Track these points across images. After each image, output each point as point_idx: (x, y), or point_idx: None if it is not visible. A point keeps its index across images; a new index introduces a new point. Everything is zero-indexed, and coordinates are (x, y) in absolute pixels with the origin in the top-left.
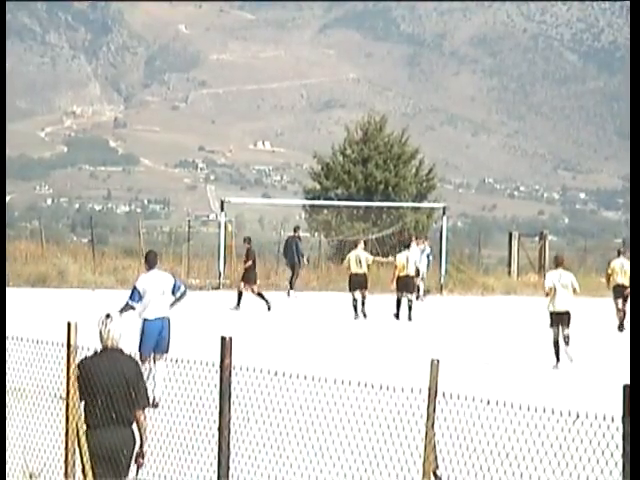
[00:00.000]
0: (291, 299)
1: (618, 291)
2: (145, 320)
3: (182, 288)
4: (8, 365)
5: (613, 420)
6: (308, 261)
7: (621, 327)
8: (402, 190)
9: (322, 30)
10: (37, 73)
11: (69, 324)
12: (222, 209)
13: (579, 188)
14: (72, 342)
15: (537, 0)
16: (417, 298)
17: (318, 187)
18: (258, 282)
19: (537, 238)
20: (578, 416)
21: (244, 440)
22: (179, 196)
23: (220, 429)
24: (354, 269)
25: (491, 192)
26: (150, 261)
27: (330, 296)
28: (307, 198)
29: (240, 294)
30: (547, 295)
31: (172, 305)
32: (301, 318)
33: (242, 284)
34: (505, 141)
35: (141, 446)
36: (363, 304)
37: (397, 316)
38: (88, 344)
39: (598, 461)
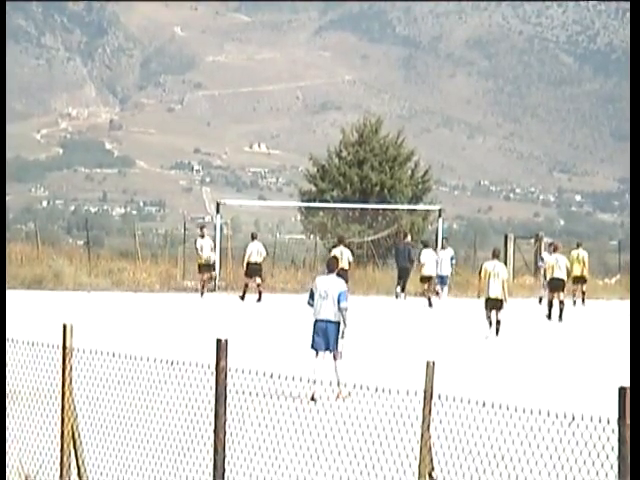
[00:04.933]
0: (400, 301)
1: (555, 285)
2: (314, 320)
3: (343, 304)
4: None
5: (609, 422)
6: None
7: (560, 317)
8: (398, 192)
9: (318, 32)
10: (32, 75)
11: (64, 326)
12: (218, 211)
13: (575, 190)
14: (68, 344)
15: (533, 1)
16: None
17: (314, 189)
18: None
19: (532, 240)
20: (574, 418)
21: (239, 442)
22: (175, 198)
23: (216, 431)
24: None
25: (487, 194)
26: (327, 265)
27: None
28: (303, 200)
29: None
30: (480, 282)
31: (343, 317)
32: (296, 320)
33: None
34: (501, 143)
35: None
36: None
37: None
38: (84, 346)
39: (594, 463)
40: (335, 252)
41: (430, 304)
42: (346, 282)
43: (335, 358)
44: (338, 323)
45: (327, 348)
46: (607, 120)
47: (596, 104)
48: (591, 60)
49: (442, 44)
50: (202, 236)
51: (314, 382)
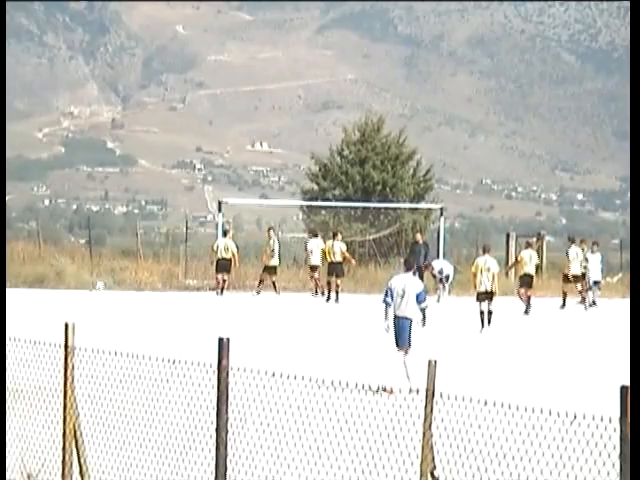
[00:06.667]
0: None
1: (524, 280)
2: (393, 316)
3: (423, 303)
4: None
5: (611, 421)
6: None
7: (527, 312)
8: (399, 191)
9: (320, 31)
10: (35, 74)
11: (66, 325)
12: (220, 210)
13: (576, 189)
14: (69, 343)
15: (534, 0)
16: (586, 304)
17: (316, 188)
18: None
19: (534, 239)
20: (575, 417)
21: (241, 441)
22: (177, 197)
23: (217, 430)
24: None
25: (489, 193)
26: (405, 264)
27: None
28: (305, 199)
29: None
30: (474, 276)
31: (422, 315)
32: (298, 319)
33: None
34: (503, 142)
35: None
36: (337, 291)
37: (327, 299)
38: (86, 345)
39: (595, 462)
40: (327, 244)
41: (327, 296)
42: (342, 275)
43: (406, 353)
44: (412, 320)
45: (401, 343)
46: (609, 119)
47: (598, 103)
48: (593, 59)
49: (444, 43)
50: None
51: (397, 377)
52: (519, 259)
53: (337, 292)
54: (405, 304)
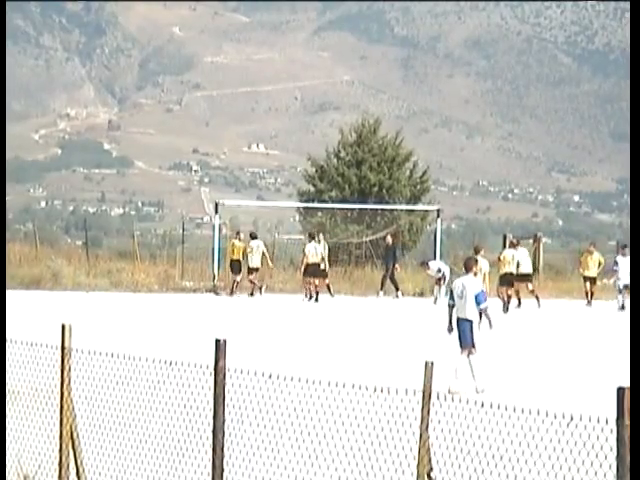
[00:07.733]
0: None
1: (505, 279)
2: (456, 318)
3: (482, 305)
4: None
5: (607, 422)
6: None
7: (506, 310)
8: (396, 192)
9: (316, 32)
10: (31, 75)
11: (63, 326)
12: (216, 211)
13: (573, 190)
14: (66, 344)
15: (531, 1)
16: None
17: (312, 189)
18: None
19: (531, 240)
20: (572, 418)
21: (238, 443)
22: (173, 198)
23: (214, 431)
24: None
25: (485, 194)
26: (464, 266)
27: (324, 298)
28: (301, 200)
29: None
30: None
31: (487, 317)
32: (294, 321)
33: None
34: (499, 143)
35: None
36: (317, 291)
37: (316, 299)
38: (83, 346)
39: (592, 464)
40: (309, 247)
41: (252, 294)
42: (326, 277)
43: (470, 353)
44: (472, 321)
45: (464, 344)
46: (605, 120)
47: (594, 104)
48: (589, 60)
49: (440, 44)
50: (315, 240)
51: (456, 377)
52: (502, 258)
53: (317, 292)
54: (464, 305)
